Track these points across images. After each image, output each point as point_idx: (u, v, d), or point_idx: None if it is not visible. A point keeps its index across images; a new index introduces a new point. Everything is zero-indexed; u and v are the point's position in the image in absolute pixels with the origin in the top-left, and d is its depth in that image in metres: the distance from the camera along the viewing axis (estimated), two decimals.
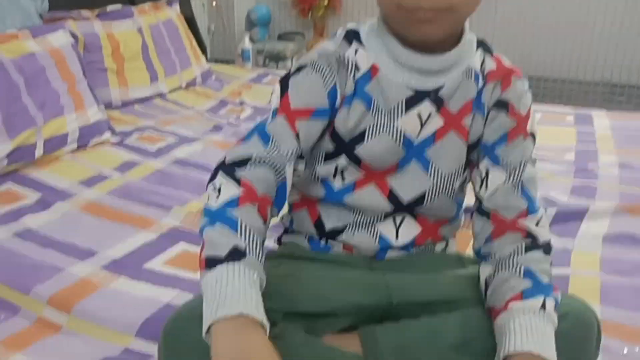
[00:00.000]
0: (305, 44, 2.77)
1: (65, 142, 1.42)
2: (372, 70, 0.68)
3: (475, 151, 0.71)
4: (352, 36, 0.69)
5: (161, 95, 1.95)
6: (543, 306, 0.61)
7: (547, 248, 0.66)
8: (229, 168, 0.61)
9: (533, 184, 0.68)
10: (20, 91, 1.36)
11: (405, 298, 0.69)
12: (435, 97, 0.68)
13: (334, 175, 0.71)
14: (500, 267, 0.66)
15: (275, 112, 0.66)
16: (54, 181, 1.27)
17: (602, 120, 1.75)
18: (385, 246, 0.73)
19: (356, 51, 0.68)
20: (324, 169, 0.70)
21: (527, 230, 0.66)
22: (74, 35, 1.62)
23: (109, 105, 1.73)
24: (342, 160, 0.70)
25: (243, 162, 0.61)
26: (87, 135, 1.48)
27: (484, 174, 0.69)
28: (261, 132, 0.65)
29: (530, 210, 0.67)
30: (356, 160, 0.70)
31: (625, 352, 0.76)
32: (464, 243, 0.87)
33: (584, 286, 0.88)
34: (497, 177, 0.68)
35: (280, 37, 2.83)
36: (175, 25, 2.12)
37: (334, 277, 0.69)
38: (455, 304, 0.68)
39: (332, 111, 0.68)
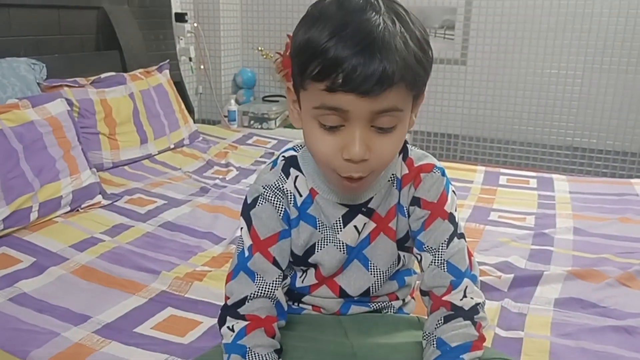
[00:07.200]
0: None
1: (59, 206, 1.50)
2: (312, 193, 0.79)
3: (409, 240, 0.81)
4: (290, 164, 0.80)
5: (150, 157, 2.05)
6: None
7: (469, 312, 0.73)
8: (233, 310, 0.76)
9: (460, 256, 0.76)
10: (19, 157, 1.45)
11: None
12: (367, 209, 0.79)
13: (296, 273, 0.84)
14: (427, 341, 0.76)
15: (250, 249, 0.77)
16: (47, 245, 1.34)
17: (561, 184, 1.89)
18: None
19: (296, 178, 0.79)
20: (287, 270, 0.82)
21: (452, 303, 0.74)
22: (70, 102, 1.73)
23: (99, 167, 1.83)
24: (300, 269, 0.83)
25: (242, 302, 0.75)
26: (79, 199, 1.56)
27: (419, 258, 0.79)
28: (246, 270, 0.77)
29: (455, 285, 0.74)
30: (311, 266, 0.82)
31: None
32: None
33: (535, 348, 0.97)
34: (425, 259, 0.77)
35: (265, 100, 2.98)
36: (165, 90, 2.25)
37: (308, 347, 0.78)
38: None
39: (291, 230, 0.79)
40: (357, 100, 0.63)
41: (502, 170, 2.08)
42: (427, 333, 0.76)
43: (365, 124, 0.65)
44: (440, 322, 0.74)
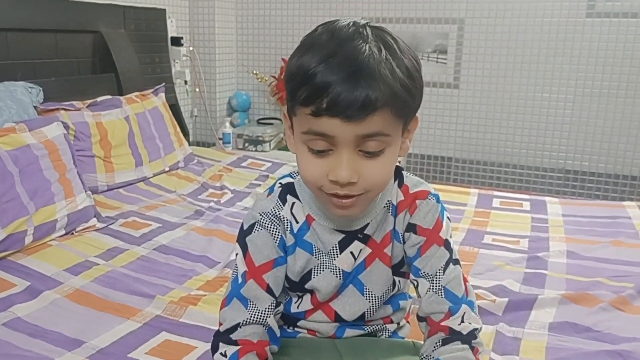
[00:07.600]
0: (282, 129, 2.94)
1: (54, 229, 1.50)
2: (308, 220, 0.80)
3: (405, 266, 0.82)
4: (287, 191, 0.81)
5: (145, 179, 2.06)
6: None
7: (467, 337, 0.74)
8: (225, 337, 0.76)
9: (457, 282, 0.77)
10: (14, 181, 1.45)
11: None
12: (363, 235, 0.80)
13: (291, 299, 0.84)
14: None
15: (244, 275, 0.78)
16: (41, 269, 1.33)
17: (554, 207, 1.91)
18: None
19: (293, 204, 0.80)
20: (282, 297, 0.83)
21: (450, 328, 0.75)
22: (65, 126, 1.74)
23: (94, 190, 1.83)
24: (295, 294, 0.83)
25: (234, 328, 0.76)
26: (74, 222, 1.56)
27: (415, 285, 0.80)
28: (239, 297, 0.77)
29: (454, 310, 0.75)
30: (307, 292, 0.82)
31: None
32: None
33: None
34: (422, 286, 0.78)
35: (259, 122, 3.00)
36: (161, 113, 2.27)
37: None
38: None
39: (286, 257, 0.80)
40: (342, 125, 0.65)
41: (496, 193, 2.09)
42: (424, 355, 0.77)
43: (352, 148, 0.67)
44: (438, 344, 0.75)
